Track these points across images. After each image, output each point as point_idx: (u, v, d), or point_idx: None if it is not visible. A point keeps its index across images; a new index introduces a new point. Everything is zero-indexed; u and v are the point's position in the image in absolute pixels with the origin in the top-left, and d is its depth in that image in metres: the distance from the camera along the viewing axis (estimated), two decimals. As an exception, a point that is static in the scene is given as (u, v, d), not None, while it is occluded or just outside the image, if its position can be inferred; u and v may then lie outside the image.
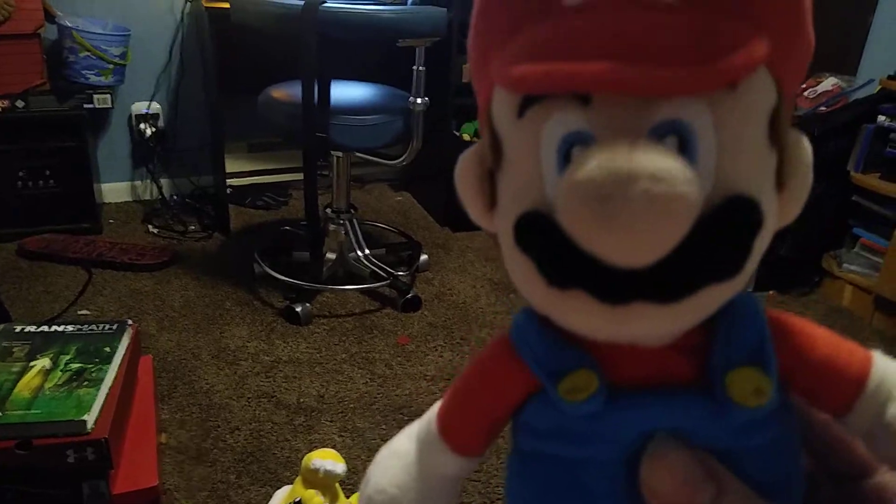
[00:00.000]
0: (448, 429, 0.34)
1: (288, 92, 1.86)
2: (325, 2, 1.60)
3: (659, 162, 0.24)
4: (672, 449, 0.27)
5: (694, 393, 0.28)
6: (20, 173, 2.24)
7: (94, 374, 1.15)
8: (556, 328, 0.29)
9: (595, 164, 0.24)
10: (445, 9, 1.81)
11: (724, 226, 0.26)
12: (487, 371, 0.33)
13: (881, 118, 2.10)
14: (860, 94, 2.28)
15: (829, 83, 2.33)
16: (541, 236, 0.27)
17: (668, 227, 0.24)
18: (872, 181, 2.12)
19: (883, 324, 2.06)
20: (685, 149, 0.26)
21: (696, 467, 0.27)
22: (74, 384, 1.12)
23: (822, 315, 2.13)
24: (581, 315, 0.27)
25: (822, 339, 0.30)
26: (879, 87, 2.14)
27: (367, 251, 2.10)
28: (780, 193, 0.28)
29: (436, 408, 0.35)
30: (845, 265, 2.19)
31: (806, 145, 0.29)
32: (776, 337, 0.29)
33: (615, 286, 0.25)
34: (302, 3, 1.60)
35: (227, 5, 1.97)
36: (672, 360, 0.29)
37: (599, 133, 0.25)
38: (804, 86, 2.37)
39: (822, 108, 2.28)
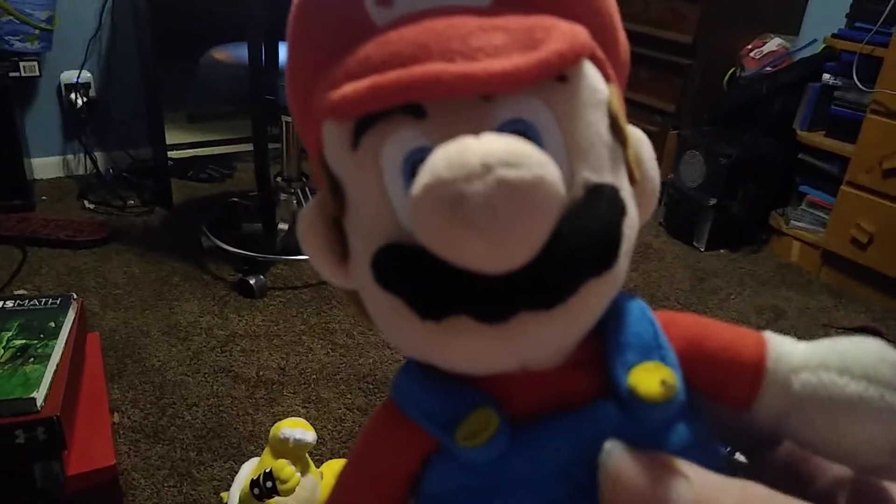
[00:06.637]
0: None
1: (232, 53, 1.78)
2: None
3: (510, 146, 0.21)
4: (625, 460, 0.24)
5: (599, 404, 0.26)
6: (-60, 147, 2.08)
7: (39, 351, 1.07)
8: (442, 375, 0.26)
9: (442, 161, 0.21)
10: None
11: (591, 214, 0.24)
12: (373, 443, 0.29)
13: (826, 76, 2.14)
14: (805, 54, 2.32)
15: (773, 44, 2.36)
16: (402, 267, 0.24)
17: (535, 217, 0.21)
18: (818, 139, 2.16)
19: (830, 278, 2.12)
20: None
21: (660, 467, 0.24)
22: (19, 361, 1.03)
23: (771, 270, 2.17)
24: (464, 344, 0.24)
25: (713, 327, 0.28)
26: (823, 47, 2.19)
27: (320, 220, 2.03)
28: (634, 187, 0.28)
29: None
30: (793, 222, 2.25)
31: (646, 141, 0.29)
32: (668, 332, 0.28)
33: (494, 301, 0.23)
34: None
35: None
36: (570, 378, 0.26)
37: (441, 144, 0.23)
38: (749, 46, 2.41)
39: (769, 69, 2.32)
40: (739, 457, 0.31)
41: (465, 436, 0.25)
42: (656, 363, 0.26)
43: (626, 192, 0.27)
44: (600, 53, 0.27)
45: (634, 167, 0.28)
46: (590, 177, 0.25)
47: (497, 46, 0.23)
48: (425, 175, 0.21)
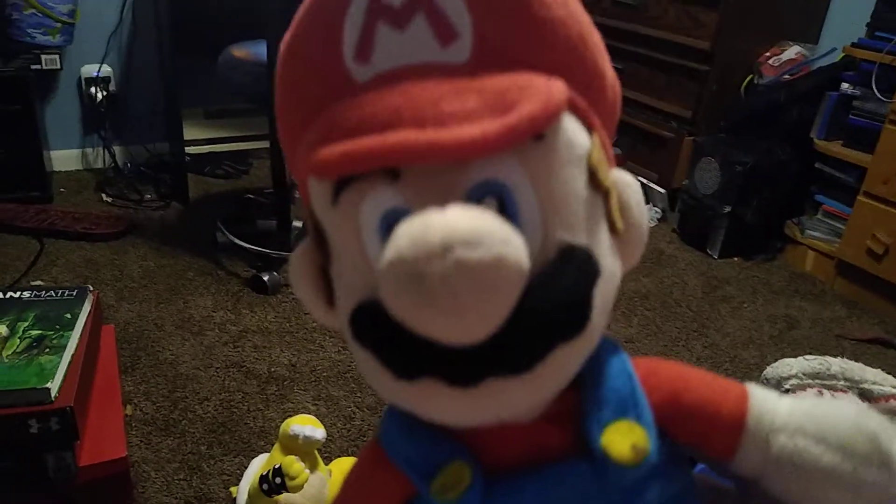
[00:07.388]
0: None
1: (251, 51, 1.79)
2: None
3: (473, 223, 0.21)
4: None
5: (572, 463, 0.26)
6: (-38, 138, 2.11)
7: (55, 341, 1.08)
8: (422, 423, 0.27)
9: (405, 239, 0.22)
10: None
11: (559, 281, 0.24)
12: (359, 482, 0.30)
13: (844, 86, 2.13)
14: (823, 63, 2.30)
15: (792, 51, 2.35)
16: (377, 327, 0.25)
17: (494, 297, 0.21)
18: (835, 148, 2.15)
19: (844, 288, 2.11)
20: (506, 208, 0.24)
21: None
22: (34, 351, 1.05)
23: (785, 279, 2.16)
24: (436, 404, 0.25)
25: (695, 380, 0.28)
26: (842, 55, 2.17)
27: (334, 219, 2.04)
28: (616, 237, 0.27)
29: None
30: (808, 231, 2.23)
31: (635, 187, 0.28)
32: (647, 385, 0.27)
33: (463, 367, 0.23)
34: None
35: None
36: (546, 432, 0.27)
37: (415, 205, 0.23)
38: (768, 54, 2.39)
39: (787, 76, 2.30)
40: (727, 483, 0.31)
41: (440, 490, 0.26)
42: (630, 423, 0.26)
43: (604, 247, 0.26)
44: (581, 102, 0.26)
45: (617, 217, 0.27)
46: (563, 236, 0.25)
47: (468, 111, 0.23)
48: (390, 251, 0.22)
